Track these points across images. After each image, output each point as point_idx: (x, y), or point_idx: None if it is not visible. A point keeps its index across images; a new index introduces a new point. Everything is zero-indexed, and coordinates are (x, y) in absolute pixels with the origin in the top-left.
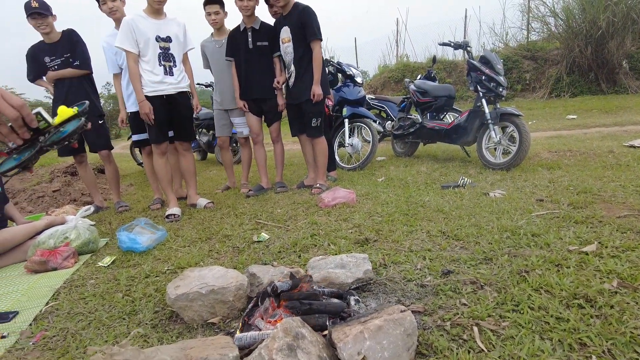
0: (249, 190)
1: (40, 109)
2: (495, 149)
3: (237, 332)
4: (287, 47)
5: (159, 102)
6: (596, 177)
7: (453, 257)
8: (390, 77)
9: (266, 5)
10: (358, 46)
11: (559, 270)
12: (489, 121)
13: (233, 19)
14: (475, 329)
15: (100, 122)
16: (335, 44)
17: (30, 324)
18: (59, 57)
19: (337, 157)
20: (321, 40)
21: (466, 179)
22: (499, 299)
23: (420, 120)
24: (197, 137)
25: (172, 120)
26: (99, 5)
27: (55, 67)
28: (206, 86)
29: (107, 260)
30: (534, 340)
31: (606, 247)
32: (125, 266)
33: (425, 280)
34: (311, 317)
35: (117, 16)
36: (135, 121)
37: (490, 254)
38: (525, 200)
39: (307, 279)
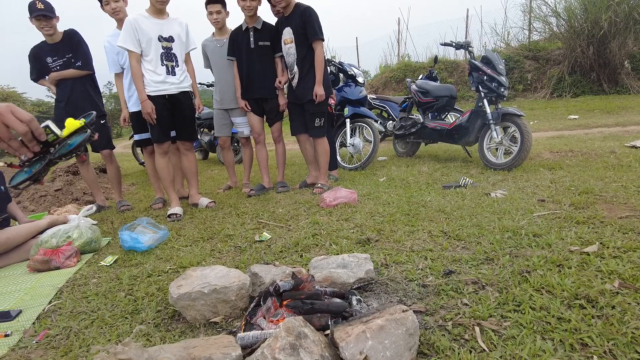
0: (251, 189)
1: (48, 122)
2: (496, 149)
3: (239, 331)
4: (289, 48)
5: (162, 101)
6: (598, 177)
7: (454, 257)
8: (392, 77)
9: (268, 5)
10: (359, 46)
11: (560, 271)
12: (491, 121)
13: (234, 19)
14: (477, 329)
15: (102, 122)
16: (336, 43)
17: (34, 323)
18: (61, 57)
19: (338, 157)
20: (323, 40)
21: (467, 179)
22: (500, 299)
23: (422, 120)
24: (198, 136)
25: (174, 120)
26: (102, 6)
27: (58, 67)
28: (208, 86)
29: (110, 259)
30: (536, 341)
31: (608, 247)
32: (128, 265)
33: (426, 280)
34: (313, 316)
35: (119, 16)
36: (137, 121)
37: (492, 254)
38: (526, 201)
39: (309, 279)
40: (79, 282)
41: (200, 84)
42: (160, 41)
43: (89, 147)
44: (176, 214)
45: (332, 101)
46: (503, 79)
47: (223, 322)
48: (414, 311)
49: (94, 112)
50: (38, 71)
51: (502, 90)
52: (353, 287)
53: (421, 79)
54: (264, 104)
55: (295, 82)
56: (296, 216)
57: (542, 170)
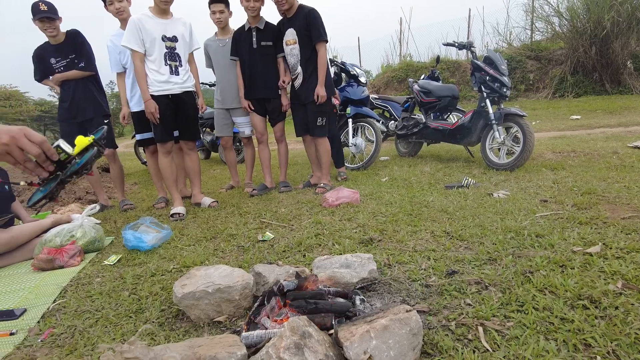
0: (253, 189)
1: (59, 142)
2: (499, 149)
3: (243, 330)
4: (292, 49)
5: (165, 101)
6: (600, 178)
7: (457, 258)
8: (394, 77)
9: (271, 5)
10: (361, 45)
11: (563, 271)
12: (493, 121)
13: (236, 19)
14: (480, 329)
15: (105, 121)
16: (338, 43)
17: (38, 322)
18: (65, 58)
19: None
20: (327, 42)
21: (470, 179)
22: (503, 299)
23: (424, 120)
24: (200, 136)
25: (177, 119)
26: (105, 6)
27: (61, 68)
28: (210, 85)
29: (113, 258)
30: (539, 341)
31: (611, 248)
32: (131, 265)
33: (429, 280)
34: (317, 316)
35: (123, 17)
36: (139, 120)
37: (495, 254)
38: (529, 201)
39: (313, 279)
40: (83, 281)
41: (202, 83)
42: (164, 41)
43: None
44: (179, 214)
45: (336, 102)
46: (505, 79)
47: (227, 322)
48: (417, 311)
49: (105, 127)
50: (42, 72)
51: (505, 90)
52: (356, 287)
53: (423, 78)
54: (266, 104)
55: (298, 82)
56: (299, 216)
57: (545, 171)
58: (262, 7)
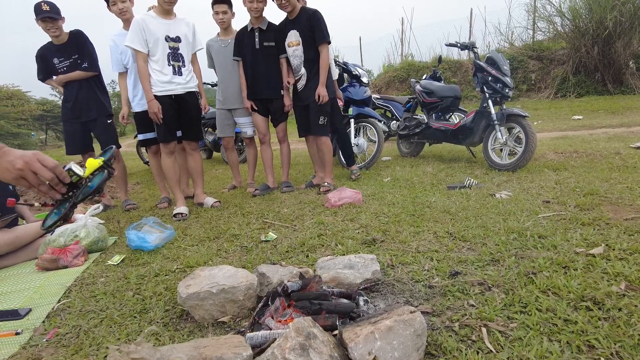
0: (255, 189)
1: (71, 165)
2: (501, 149)
3: (247, 331)
4: (295, 50)
5: (168, 101)
6: (603, 178)
7: (460, 258)
8: (395, 77)
9: (273, 5)
10: (363, 45)
11: (566, 273)
12: (495, 122)
13: (239, 19)
14: (484, 329)
15: (109, 121)
16: (339, 43)
17: (43, 321)
18: (68, 58)
19: (342, 157)
20: (329, 43)
21: (472, 179)
22: (506, 300)
23: (426, 120)
24: (203, 136)
25: (180, 119)
26: (108, 6)
27: (64, 68)
28: (212, 85)
29: (117, 258)
30: (542, 342)
31: (613, 249)
32: (135, 265)
33: (433, 281)
34: (321, 317)
35: (126, 17)
36: (141, 121)
37: (497, 255)
38: (531, 202)
39: (316, 279)
40: (87, 281)
41: (204, 83)
42: (167, 41)
43: (95, 147)
44: (182, 214)
45: (341, 103)
46: (508, 79)
47: (231, 322)
48: (421, 312)
49: (113, 147)
50: (44, 72)
51: (507, 91)
52: (360, 288)
53: (425, 78)
54: (269, 105)
55: (302, 84)
56: (301, 216)
57: (547, 171)
58: (264, 7)
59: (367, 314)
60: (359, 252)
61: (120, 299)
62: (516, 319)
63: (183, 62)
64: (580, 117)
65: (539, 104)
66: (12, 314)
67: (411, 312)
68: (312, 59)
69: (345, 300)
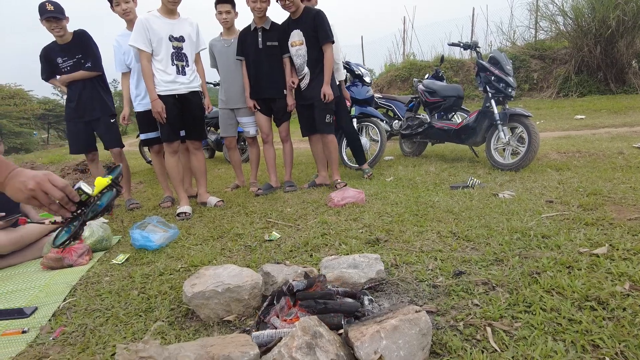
0: (258, 189)
1: (80, 184)
2: (504, 149)
3: (253, 330)
4: (298, 49)
5: (171, 101)
6: (606, 178)
7: (464, 258)
8: (397, 76)
9: (276, 5)
10: (364, 44)
11: (570, 272)
12: (498, 122)
13: (243, 19)
14: (489, 329)
15: (112, 120)
16: (341, 42)
17: (50, 320)
18: (71, 58)
19: (345, 156)
20: (333, 43)
21: (475, 179)
22: (510, 300)
23: (429, 120)
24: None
25: (183, 119)
26: (112, 6)
27: (68, 67)
28: (214, 85)
29: (121, 257)
30: (547, 341)
31: (617, 249)
32: (139, 264)
33: (437, 280)
34: (326, 316)
35: (130, 17)
36: (143, 120)
37: (501, 255)
38: (534, 202)
39: (321, 279)
40: (92, 280)
41: (207, 82)
42: (171, 41)
43: (99, 146)
44: (185, 213)
45: (348, 103)
46: (511, 79)
47: (236, 321)
48: (425, 311)
49: (120, 165)
50: (48, 71)
51: (510, 90)
52: (364, 287)
53: (427, 78)
54: (271, 104)
55: (305, 83)
56: (304, 215)
57: (550, 171)
58: (268, 7)
59: (372, 313)
60: (363, 252)
61: (126, 297)
62: (520, 318)
63: (187, 61)
64: (583, 116)
65: (541, 103)
66: (18, 313)
67: (416, 312)
68: (315, 59)
69: (350, 300)
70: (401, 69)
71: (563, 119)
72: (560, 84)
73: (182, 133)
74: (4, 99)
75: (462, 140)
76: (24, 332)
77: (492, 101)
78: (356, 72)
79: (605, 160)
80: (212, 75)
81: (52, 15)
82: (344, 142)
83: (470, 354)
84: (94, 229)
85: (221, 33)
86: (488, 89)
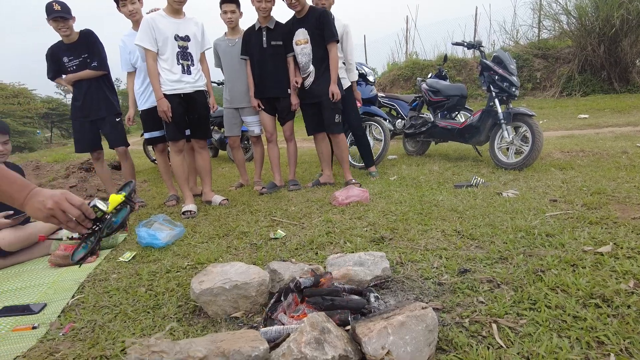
0: (263, 187)
1: (95, 202)
2: (507, 148)
3: (260, 326)
4: (303, 48)
5: (177, 100)
6: (610, 177)
7: (469, 256)
8: (400, 75)
9: (282, 5)
10: (367, 43)
11: (574, 270)
12: (502, 121)
13: (247, 19)
14: (494, 326)
15: (117, 119)
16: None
17: (59, 316)
18: (77, 57)
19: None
20: (338, 42)
21: (479, 178)
22: (515, 297)
23: (433, 119)
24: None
25: (189, 118)
26: (118, 7)
27: (74, 66)
28: (218, 84)
29: (128, 255)
30: (552, 338)
31: (622, 248)
32: (146, 261)
33: (442, 278)
34: (334, 312)
35: (136, 18)
36: (147, 119)
37: (506, 253)
38: (538, 201)
39: (327, 276)
40: (99, 277)
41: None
42: (176, 40)
43: (104, 145)
44: (190, 211)
45: (359, 104)
46: (514, 78)
47: (244, 317)
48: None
49: (133, 182)
50: (54, 70)
51: (514, 90)
52: (370, 285)
53: (431, 77)
54: (276, 103)
55: (309, 81)
56: (309, 214)
57: (553, 170)
58: (272, 7)
59: (379, 310)
60: (368, 250)
61: (133, 294)
62: (526, 315)
63: (192, 61)
64: (586, 116)
65: (544, 102)
66: (25, 309)
67: (423, 308)
68: (320, 57)
69: (356, 297)
70: (404, 68)
71: (566, 118)
72: (563, 83)
73: (187, 132)
74: (7, 98)
75: (466, 139)
76: (34, 327)
77: (496, 100)
78: (360, 72)
79: (609, 159)
80: (216, 75)
81: (59, 15)
82: (348, 142)
83: (476, 350)
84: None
85: (225, 33)
86: (492, 88)
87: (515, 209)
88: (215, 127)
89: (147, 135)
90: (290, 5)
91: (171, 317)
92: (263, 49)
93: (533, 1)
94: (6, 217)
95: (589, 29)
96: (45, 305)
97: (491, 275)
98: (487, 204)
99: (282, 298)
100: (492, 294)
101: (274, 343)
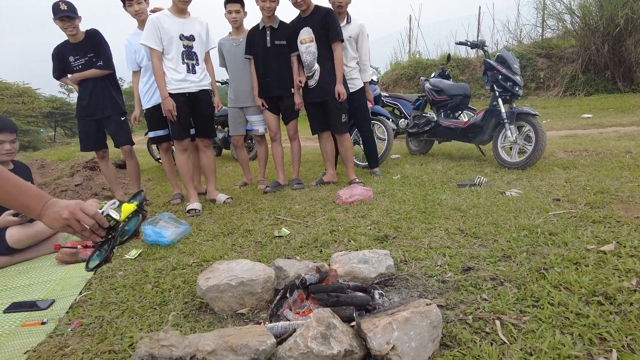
0: (266, 186)
1: (108, 211)
2: (511, 148)
3: (266, 322)
4: (308, 47)
5: (182, 99)
6: (613, 177)
7: (472, 254)
8: (403, 74)
9: (285, 4)
10: (370, 43)
11: (577, 269)
12: (505, 120)
13: (251, 19)
14: (497, 322)
15: (122, 118)
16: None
17: (67, 312)
18: (83, 56)
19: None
20: (342, 41)
21: (482, 177)
22: (519, 294)
23: (436, 118)
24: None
25: (193, 117)
26: (124, 6)
27: (80, 66)
28: (222, 83)
29: (134, 253)
30: (555, 334)
31: (624, 246)
32: (152, 259)
33: (445, 276)
34: (339, 308)
35: (142, 18)
36: (152, 118)
37: (509, 251)
38: (541, 200)
39: (332, 273)
40: (106, 274)
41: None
42: (181, 40)
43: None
44: (195, 209)
45: (370, 105)
46: (518, 78)
47: (250, 314)
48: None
49: (144, 191)
50: (60, 70)
51: (517, 89)
52: (374, 282)
53: (434, 77)
54: (279, 103)
55: (314, 80)
56: (313, 213)
57: (557, 170)
58: (277, 7)
59: (383, 307)
60: (372, 248)
61: (140, 291)
62: (529, 312)
63: (197, 60)
64: (590, 115)
65: (547, 102)
66: (34, 305)
67: (427, 305)
68: (325, 56)
69: (361, 294)
70: (407, 68)
71: (570, 118)
72: (567, 83)
73: (192, 131)
74: (12, 97)
75: (469, 138)
76: (43, 323)
77: (499, 100)
78: None
79: (613, 159)
80: (221, 74)
81: (65, 15)
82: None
83: (480, 346)
84: None
85: (230, 32)
86: (495, 87)
87: (519, 208)
88: (219, 127)
89: (151, 135)
90: (295, 4)
91: (178, 314)
92: (267, 49)
93: (537, 0)
94: (14, 215)
95: (593, 29)
96: (54, 301)
97: (494, 273)
98: (491, 203)
99: (287, 294)
100: (496, 291)
101: (281, 338)
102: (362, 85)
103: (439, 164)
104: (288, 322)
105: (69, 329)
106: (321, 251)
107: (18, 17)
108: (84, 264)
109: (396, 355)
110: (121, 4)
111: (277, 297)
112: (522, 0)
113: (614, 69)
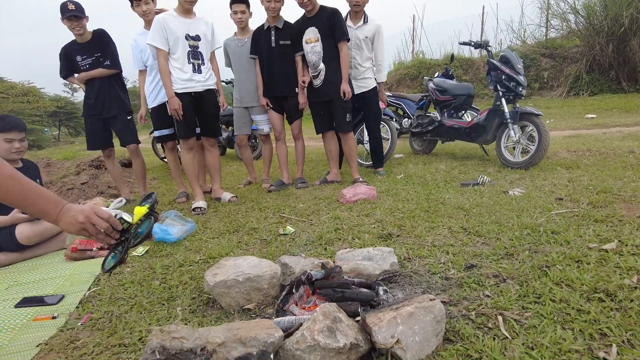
0: (271, 185)
1: (121, 214)
2: (514, 147)
3: (272, 317)
4: (313, 46)
5: (188, 99)
6: (616, 177)
7: (475, 252)
8: (406, 74)
9: (290, 4)
10: None
11: (579, 266)
12: (509, 120)
13: (256, 19)
14: (500, 318)
15: (128, 117)
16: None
17: (77, 307)
18: (90, 56)
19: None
20: (349, 41)
21: (485, 177)
22: (521, 291)
23: (439, 118)
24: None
25: (199, 116)
26: (132, 6)
27: (87, 65)
28: (227, 83)
29: (141, 250)
30: (556, 330)
31: (626, 245)
32: (159, 256)
33: (449, 273)
34: (344, 304)
35: (149, 18)
36: (157, 117)
37: (512, 249)
38: (544, 199)
39: (337, 270)
40: (114, 270)
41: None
42: (187, 40)
43: (114, 142)
44: (200, 208)
45: (383, 105)
46: (521, 78)
47: (256, 309)
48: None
49: (154, 194)
50: (67, 69)
51: (520, 89)
52: (379, 279)
53: (437, 76)
54: (284, 102)
55: (320, 80)
56: (317, 211)
57: (560, 169)
58: (282, 7)
59: (387, 302)
60: (376, 246)
61: (148, 287)
62: (530, 308)
63: (202, 60)
64: (594, 115)
65: (551, 102)
66: (44, 300)
67: (431, 300)
68: (331, 55)
69: (365, 290)
70: (410, 67)
71: (573, 118)
72: (571, 83)
73: (198, 130)
74: (17, 96)
75: (473, 138)
76: (54, 317)
77: (503, 100)
78: None
79: (616, 159)
80: (226, 74)
81: (73, 14)
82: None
83: (482, 340)
84: None
85: (235, 32)
86: (499, 87)
87: (521, 207)
88: (223, 126)
89: (157, 134)
90: (301, 4)
91: (185, 309)
92: (271, 48)
93: (541, 0)
94: (23, 211)
95: (597, 28)
96: (63, 296)
97: (497, 270)
98: (494, 202)
99: (293, 290)
100: (498, 288)
101: (287, 332)
102: (375, 85)
103: (442, 163)
104: (295, 316)
105: (79, 324)
106: (326, 249)
107: (18, 17)
108: (91, 261)
109: (400, 349)
110: (125, 4)
111: (283, 293)
112: (526, 0)
113: (619, 69)
